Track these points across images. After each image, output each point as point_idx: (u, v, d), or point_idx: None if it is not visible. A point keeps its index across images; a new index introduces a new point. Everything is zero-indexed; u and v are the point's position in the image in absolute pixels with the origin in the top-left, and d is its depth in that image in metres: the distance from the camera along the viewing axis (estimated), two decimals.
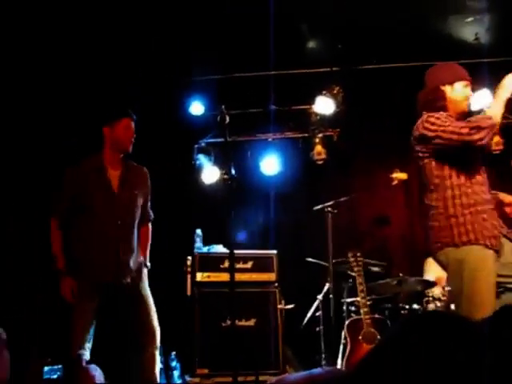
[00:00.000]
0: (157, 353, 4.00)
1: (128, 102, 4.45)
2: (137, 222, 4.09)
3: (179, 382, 5.11)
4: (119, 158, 4.07)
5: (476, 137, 3.26)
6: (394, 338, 0.98)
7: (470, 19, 5.48)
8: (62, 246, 4.00)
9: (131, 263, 3.98)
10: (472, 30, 5.64)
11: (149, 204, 4.28)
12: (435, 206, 3.41)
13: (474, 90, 3.69)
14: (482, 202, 3.36)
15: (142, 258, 4.12)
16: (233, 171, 3.38)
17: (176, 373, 5.16)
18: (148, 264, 4.18)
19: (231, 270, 3.54)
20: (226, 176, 3.53)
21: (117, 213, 3.97)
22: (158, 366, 4.03)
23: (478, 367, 0.87)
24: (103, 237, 3.94)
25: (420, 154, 3.49)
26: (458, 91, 3.50)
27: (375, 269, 5.55)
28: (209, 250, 5.28)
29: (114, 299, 3.95)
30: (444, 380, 0.84)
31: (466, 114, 3.49)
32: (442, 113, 3.42)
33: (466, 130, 3.28)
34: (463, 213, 3.33)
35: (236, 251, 4.70)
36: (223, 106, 3.62)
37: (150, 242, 4.27)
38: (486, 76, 5.26)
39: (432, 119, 3.39)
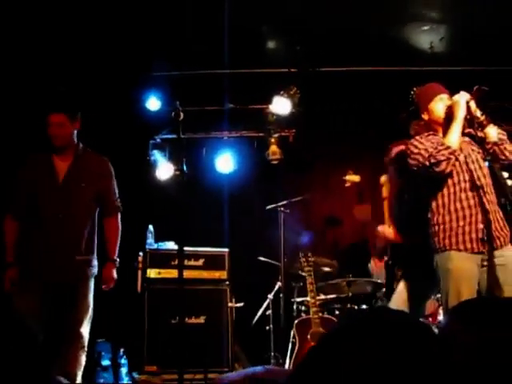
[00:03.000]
0: (80, 356, 3.93)
1: (65, 95, 4.31)
2: (85, 215, 4.02)
3: (127, 378, 5.07)
4: (62, 143, 4.02)
5: (436, 170, 3.48)
6: (332, 337, 0.96)
7: (426, 27, 5.60)
8: (15, 240, 3.95)
9: (70, 261, 3.90)
10: (428, 38, 5.77)
11: (113, 194, 4.21)
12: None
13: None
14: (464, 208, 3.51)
15: (90, 256, 4.04)
16: (185, 167, 3.38)
17: (124, 370, 5.12)
18: (116, 259, 4.12)
19: (180, 267, 3.54)
20: (177, 172, 3.53)
21: (59, 205, 3.92)
22: (79, 368, 3.94)
23: (424, 367, 0.87)
24: (44, 232, 3.89)
25: None
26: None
27: (326, 269, 5.62)
28: (160, 246, 5.26)
29: (52, 297, 3.89)
30: (384, 379, 0.84)
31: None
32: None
33: (427, 164, 3.50)
34: (444, 220, 3.52)
35: (187, 248, 4.72)
36: (178, 102, 3.62)
37: (117, 234, 4.17)
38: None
39: None
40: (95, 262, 4.10)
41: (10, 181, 4.17)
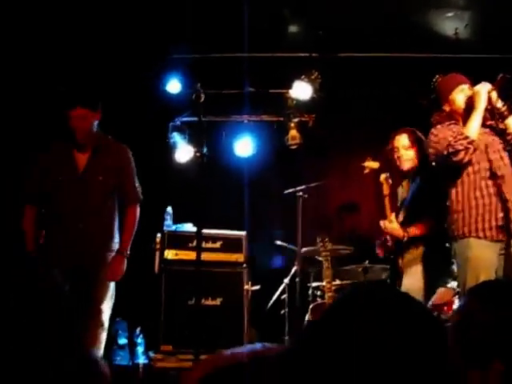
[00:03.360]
0: (100, 334, 3.96)
1: (86, 87, 4.26)
2: (104, 207, 4.03)
3: (143, 357, 5.14)
4: (83, 137, 4.01)
5: (454, 159, 3.51)
6: (332, 312, 0.95)
7: (450, 14, 5.53)
8: (34, 230, 4.00)
9: (88, 249, 3.95)
10: (452, 25, 5.70)
11: (132, 185, 4.16)
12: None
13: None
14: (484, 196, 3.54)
15: (111, 243, 4.06)
16: (205, 149, 3.38)
17: (140, 348, 5.19)
18: (126, 252, 4.05)
19: (198, 249, 3.57)
20: (198, 154, 3.54)
21: (78, 198, 3.95)
22: (99, 345, 3.97)
23: (418, 343, 0.87)
24: (62, 224, 3.94)
25: None
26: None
27: (343, 254, 5.62)
28: (178, 228, 5.30)
29: (72, 281, 3.94)
30: (384, 356, 0.85)
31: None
32: None
33: (445, 153, 3.54)
34: (463, 208, 3.57)
35: (205, 231, 4.75)
36: (199, 85, 3.62)
37: (133, 225, 4.09)
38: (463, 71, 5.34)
39: None
40: (116, 246, 4.10)
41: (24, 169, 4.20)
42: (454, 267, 4.51)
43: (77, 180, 4.00)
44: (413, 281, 4.06)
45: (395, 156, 4.30)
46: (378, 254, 4.49)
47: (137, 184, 4.19)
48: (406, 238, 4.10)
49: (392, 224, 4.15)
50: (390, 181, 4.49)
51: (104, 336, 4.00)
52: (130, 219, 4.10)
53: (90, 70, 5.43)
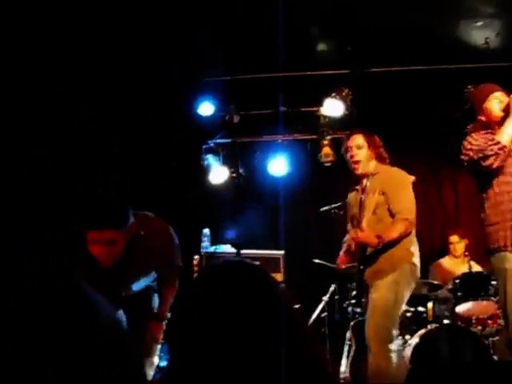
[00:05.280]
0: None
1: (110, 208, 3.09)
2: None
3: None
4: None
5: (483, 164, 3.50)
6: (192, 287, 1.20)
7: (480, 23, 5.49)
8: None
9: None
10: (482, 34, 5.65)
11: (174, 270, 3.58)
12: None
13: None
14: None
15: None
16: (240, 169, 3.38)
17: None
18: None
19: None
20: (234, 174, 3.52)
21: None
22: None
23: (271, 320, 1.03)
24: None
25: None
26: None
27: None
28: (216, 249, 5.31)
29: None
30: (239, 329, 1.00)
31: None
32: None
33: (475, 158, 3.54)
34: (497, 220, 3.52)
35: (243, 251, 4.76)
36: (232, 106, 3.63)
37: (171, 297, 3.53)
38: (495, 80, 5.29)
39: None
40: None
41: None
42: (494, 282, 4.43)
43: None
44: (383, 293, 3.90)
45: (348, 155, 4.16)
46: (339, 265, 4.24)
47: (179, 262, 3.67)
48: (380, 246, 3.86)
49: (364, 232, 3.88)
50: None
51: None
52: (171, 292, 3.58)
53: (125, 88, 5.45)
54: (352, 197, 4.28)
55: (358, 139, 4.15)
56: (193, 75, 5.66)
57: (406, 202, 3.99)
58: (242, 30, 5.31)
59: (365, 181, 4.10)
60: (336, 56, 5.94)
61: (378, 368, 3.79)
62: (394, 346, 3.86)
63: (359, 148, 4.12)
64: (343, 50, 5.88)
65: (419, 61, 5.87)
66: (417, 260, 4.02)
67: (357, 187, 4.21)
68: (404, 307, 5.27)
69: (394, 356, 3.84)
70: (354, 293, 4.39)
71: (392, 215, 3.97)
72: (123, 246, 3.05)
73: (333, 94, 5.70)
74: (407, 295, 4.03)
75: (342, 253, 4.25)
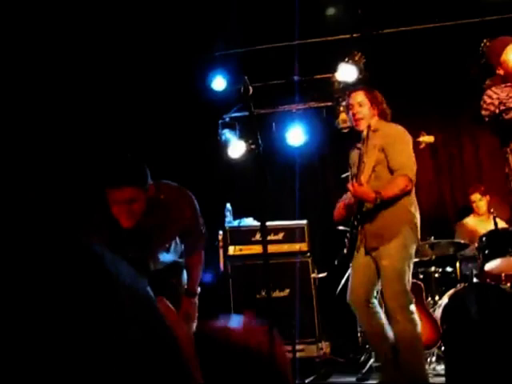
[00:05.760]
0: None
1: (127, 165, 3.09)
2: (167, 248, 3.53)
3: None
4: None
5: (506, 117, 3.45)
6: None
7: None
8: None
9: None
10: None
11: (197, 234, 3.49)
12: None
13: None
14: None
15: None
16: (259, 141, 3.33)
17: None
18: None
19: (264, 242, 3.55)
20: (253, 146, 3.47)
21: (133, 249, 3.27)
22: None
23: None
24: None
25: None
26: None
27: None
28: (239, 223, 5.32)
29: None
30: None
31: None
32: None
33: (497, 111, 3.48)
34: None
35: (267, 223, 4.75)
36: (246, 77, 3.59)
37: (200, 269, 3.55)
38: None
39: None
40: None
41: None
42: None
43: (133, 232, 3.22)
44: (395, 259, 3.81)
45: (350, 113, 4.09)
46: (336, 216, 4.15)
47: (202, 229, 3.58)
48: (378, 201, 3.74)
49: (362, 187, 3.72)
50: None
51: None
52: (197, 262, 3.57)
53: (135, 69, 5.42)
54: (353, 155, 4.20)
55: (359, 96, 4.07)
56: (204, 50, 5.61)
57: (406, 158, 3.86)
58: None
59: (365, 137, 3.99)
60: (346, 20, 5.84)
61: (406, 332, 3.79)
62: (413, 307, 3.87)
63: (361, 105, 4.04)
64: (353, 12, 5.79)
65: (431, 18, 5.75)
66: (418, 221, 3.94)
67: (358, 145, 4.12)
68: (432, 268, 5.29)
69: (416, 317, 3.85)
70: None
71: (391, 173, 3.88)
72: (143, 207, 3.06)
73: (345, 59, 5.63)
74: (414, 257, 3.98)
75: (340, 204, 4.14)
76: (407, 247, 3.86)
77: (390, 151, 3.87)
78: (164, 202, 3.23)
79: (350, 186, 3.81)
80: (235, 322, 1.41)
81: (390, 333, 3.86)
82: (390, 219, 3.86)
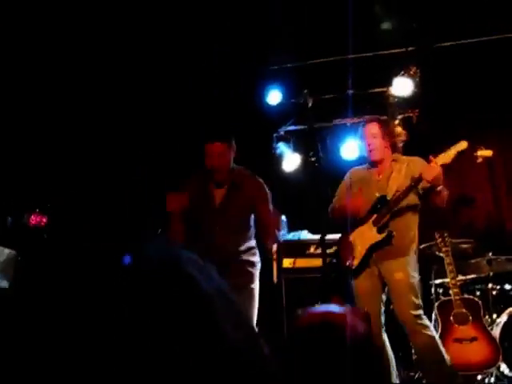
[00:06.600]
0: None
1: (219, 120, 4.42)
2: (240, 227, 4.17)
3: None
4: (222, 177, 4.08)
5: None
6: None
7: None
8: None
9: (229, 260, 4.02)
10: None
11: (269, 215, 4.13)
12: None
13: None
14: None
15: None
16: (320, 153, 3.42)
17: None
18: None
19: (323, 255, 3.57)
20: (312, 159, 3.55)
21: (216, 224, 4.08)
22: None
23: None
24: (203, 242, 4.03)
25: None
26: None
27: (463, 248, 5.43)
28: (294, 236, 5.33)
29: None
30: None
31: None
32: None
33: None
34: None
35: (327, 237, 4.74)
36: (306, 91, 3.64)
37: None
38: None
39: None
40: (255, 258, 4.26)
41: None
42: None
43: (215, 210, 4.12)
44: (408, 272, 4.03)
45: (364, 143, 4.33)
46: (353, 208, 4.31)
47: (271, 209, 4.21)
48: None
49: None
50: None
51: None
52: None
53: (193, 83, 5.54)
54: (363, 175, 4.41)
55: (374, 128, 4.30)
56: (260, 64, 5.67)
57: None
58: (307, 16, 5.29)
59: (383, 165, 4.29)
60: (401, 33, 5.83)
61: (431, 340, 3.95)
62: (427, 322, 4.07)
63: (374, 137, 4.27)
64: (408, 26, 5.77)
65: (487, 31, 5.68)
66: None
67: (370, 169, 4.37)
68: (490, 285, 5.17)
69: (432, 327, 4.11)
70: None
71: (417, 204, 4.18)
72: (229, 161, 4.04)
73: (401, 73, 5.60)
74: None
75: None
76: (416, 262, 4.15)
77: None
78: (243, 182, 4.10)
79: (432, 157, 4.12)
80: (334, 307, 1.48)
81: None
82: (407, 233, 4.13)
